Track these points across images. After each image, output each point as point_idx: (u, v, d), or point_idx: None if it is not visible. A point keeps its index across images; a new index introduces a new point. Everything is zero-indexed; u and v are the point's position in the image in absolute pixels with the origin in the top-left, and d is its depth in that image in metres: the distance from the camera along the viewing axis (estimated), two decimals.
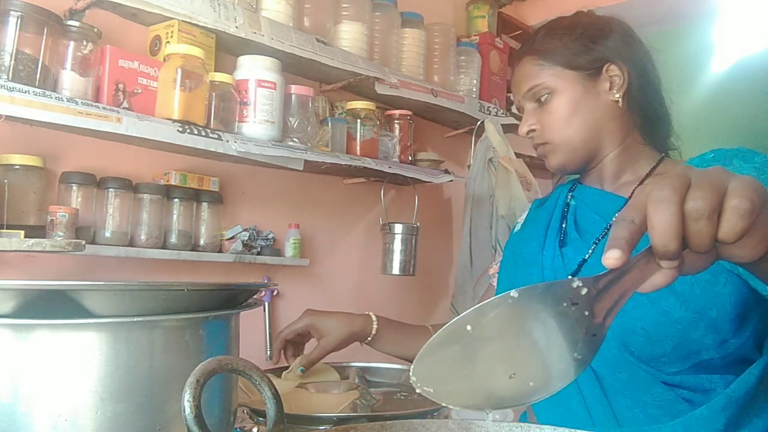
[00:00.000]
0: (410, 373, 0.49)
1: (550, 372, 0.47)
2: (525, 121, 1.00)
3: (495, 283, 1.20)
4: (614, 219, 0.46)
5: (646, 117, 0.99)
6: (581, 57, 0.96)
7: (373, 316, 1.14)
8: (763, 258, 0.47)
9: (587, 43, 0.96)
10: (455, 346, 0.47)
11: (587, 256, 0.92)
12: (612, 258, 0.43)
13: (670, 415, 0.82)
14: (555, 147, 0.97)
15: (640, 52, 0.99)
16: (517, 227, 1.16)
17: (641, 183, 0.95)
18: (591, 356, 0.47)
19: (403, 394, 1.04)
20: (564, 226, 1.00)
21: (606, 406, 0.84)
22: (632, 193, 0.94)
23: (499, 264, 1.19)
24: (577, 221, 0.99)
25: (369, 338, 1.13)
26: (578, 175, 1.08)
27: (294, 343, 1.13)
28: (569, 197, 1.04)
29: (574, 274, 0.90)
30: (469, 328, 0.46)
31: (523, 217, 1.17)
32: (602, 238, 0.92)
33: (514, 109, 2.69)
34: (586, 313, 0.45)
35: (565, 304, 0.45)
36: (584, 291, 0.45)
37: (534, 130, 0.99)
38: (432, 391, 0.49)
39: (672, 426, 0.80)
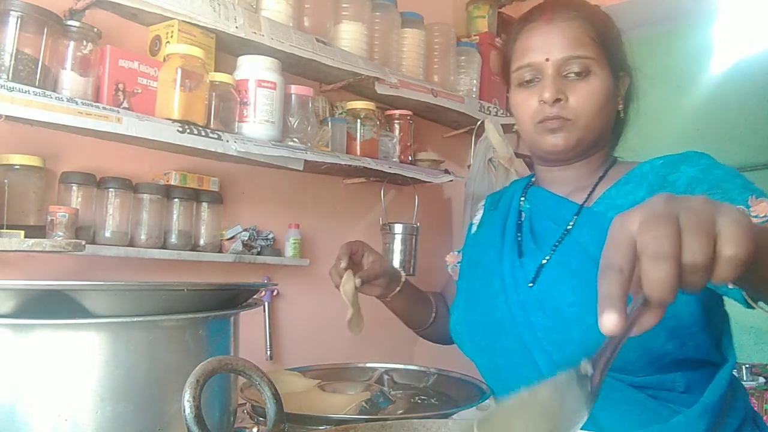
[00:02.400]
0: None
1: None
2: (553, 84, 0.90)
3: (453, 274, 1.22)
4: (601, 265, 0.45)
5: (622, 126, 1.00)
6: (617, 53, 0.93)
7: (401, 270, 1.18)
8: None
9: (621, 42, 0.94)
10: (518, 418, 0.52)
11: (544, 261, 0.92)
12: (611, 324, 0.43)
13: (641, 412, 0.83)
14: (576, 127, 0.91)
15: (634, 64, 0.99)
16: (473, 228, 1.15)
17: (594, 188, 0.95)
18: (593, 404, 0.50)
19: (422, 397, 1.04)
20: (520, 237, 0.99)
21: None
22: (574, 209, 0.93)
23: (456, 253, 1.21)
24: (533, 229, 0.98)
25: (398, 287, 1.15)
26: (531, 176, 1.08)
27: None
28: (522, 202, 1.03)
29: (533, 281, 0.92)
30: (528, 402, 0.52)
31: (478, 217, 1.16)
32: (559, 243, 0.92)
33: None
34: (591, 375, 0.49)
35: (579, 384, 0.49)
36: (591, 371, 0.48)
37: (560, 101, 0.90)
38: None
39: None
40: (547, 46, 0.91)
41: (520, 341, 0.90)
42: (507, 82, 1.01)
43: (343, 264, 1.08)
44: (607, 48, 0.92)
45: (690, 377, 0.84)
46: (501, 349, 0.93)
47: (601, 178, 0.96)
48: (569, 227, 0.92)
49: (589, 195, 0.94)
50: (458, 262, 1.21)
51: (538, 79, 0.92)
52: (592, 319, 0.81)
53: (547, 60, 0.91)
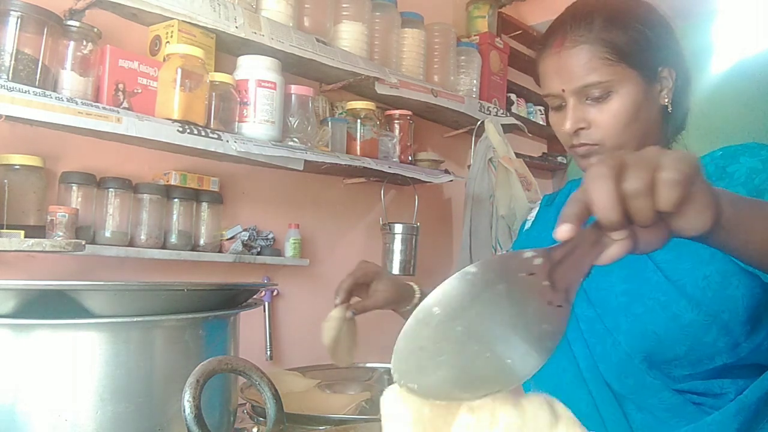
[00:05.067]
0: (391, 370, 0.48)
1: (524, 346, 0.48)
2: (572, 116, 0.88)
3: None
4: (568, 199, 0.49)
5: (678, 120, 0.95)
6: (644, 55, 0.88)
7: (416, 288, 1.12)
8: (716, 231, 0.50)
9: (650, 40, 0.89)
10: (427, 331, 0.47)
11: None
12: (562, 231, 0.47)
13: (679, 418, 0.81)
14: (605, 149, 0.88)
15: (683, 51, 0.93)
16: (528, 224, 1.14)
17: None
18: (561, 327, 0.48)
19: None
20: None
21: (616, 408, 0.84)
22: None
23: None
24: (587, 224, 0.96)
25: (409, 306, 1.10)
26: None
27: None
28: None
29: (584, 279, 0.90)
30: (436, 310, 0.47)
31: (533, 213, 1.14)
32: None
33: (514, 109, 2.70)
34: (545, 282, 0.48)
35: (522, 275, 0.47)
36: (538, 261, 0.48)
37: (583, 128, 0.88)
38: (416, 386, 0.48)
39: None
40: (560, 77, 0.89)
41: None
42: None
43: (338, 300, 1.04)
44: (632, 56, 0.87)
45: (742, 385, 0.80)
46: None
47: None
48: None
49: None
50: None
51: (564, 105, 0.91)
52: (641, 308, 0.81)
53: (564, 90, 0.89)
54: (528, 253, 0.47)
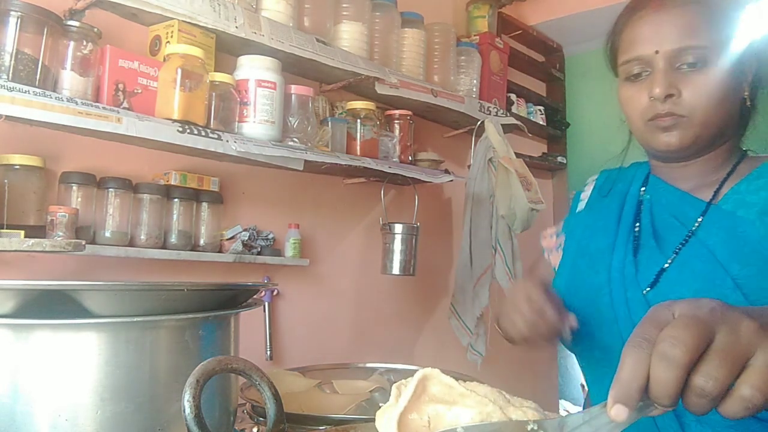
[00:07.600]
0: None
1: None
2: (664, 80, 0.81)
3: (553, 261, 1.05)
4: (630, 337, 0.44)
5: (749, 115, 0.90)
6: (737, 37, 0.83)
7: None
8: None
9: (741, 25, 0.85)
10: None
11: (666, 264, 0.84)
12: (618, 414, 0.42)
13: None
14: (692, 124, 0.82)
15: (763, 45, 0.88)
16: (580, 205, 1.05)
17: (722, 184, 0.86)
18: None
19: None
20: (637, 228, 0.90)
21: (673, 419, 0.80)
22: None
23: (554, 236, 1.06)
24: (654, 224, 0.89)
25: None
26: (647, 163, 0.97)
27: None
28: (642, 192, 0.94)
29: (652, 286, 0.84)
30: None
31: (587, 193, 1.06)
32: (683, 246, 0.84)
33: (514, 109, 2.70)
34: None
35: None
36: None
37: (672, 96, 0.82)
38: None
39: None
40: (657, 37, 0.82)
41: (619, 339, 0.83)
42: (614, 73, 0.93)
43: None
44: (727, 32, 0.82)
45: None
46: (599, 342, 0.87)
47: (729, 174, 0.87)
48: (694, 228, 0.84)
49: (716, 192, 0.85)
50: (559, 247, 1.06)
51: (648, 72, 0.85)
52: None
53: (657, 52, 0.82)
54: (529, 426, 0.41)
